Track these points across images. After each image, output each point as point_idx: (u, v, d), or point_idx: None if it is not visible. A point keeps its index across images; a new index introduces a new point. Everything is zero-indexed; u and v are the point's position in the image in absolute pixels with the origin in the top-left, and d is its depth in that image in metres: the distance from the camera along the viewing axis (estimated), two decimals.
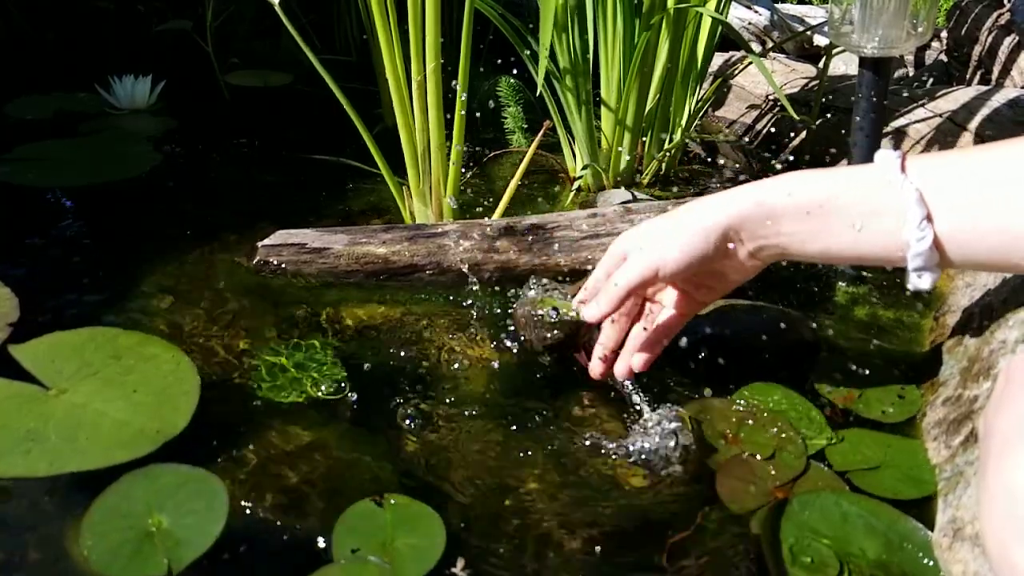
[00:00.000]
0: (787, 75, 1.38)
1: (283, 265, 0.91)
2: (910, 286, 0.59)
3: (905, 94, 1.17)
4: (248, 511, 0.63)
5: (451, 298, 0.89)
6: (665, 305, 0.71)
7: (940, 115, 1.10)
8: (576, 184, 1.13)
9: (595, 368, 0.73)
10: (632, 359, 0.71)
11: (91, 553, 0.59)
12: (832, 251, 0.61)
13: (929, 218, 0.56)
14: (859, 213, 0.59)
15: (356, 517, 0.63)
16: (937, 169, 0.58)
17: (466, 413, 0.73)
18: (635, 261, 0.65)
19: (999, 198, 0.55)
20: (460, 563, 0.59)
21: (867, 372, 0.78)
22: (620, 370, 0.71)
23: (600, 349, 0.73)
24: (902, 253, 0.58)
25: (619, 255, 0.68)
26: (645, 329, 0.71)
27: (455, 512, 0.64)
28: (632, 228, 0.68)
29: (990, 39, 1.35)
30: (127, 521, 0.61)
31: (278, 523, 0.63)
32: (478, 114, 1.30)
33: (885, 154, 0.59)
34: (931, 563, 0.59)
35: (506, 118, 1.24)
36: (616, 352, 0.73)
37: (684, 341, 0.75)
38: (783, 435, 0.70)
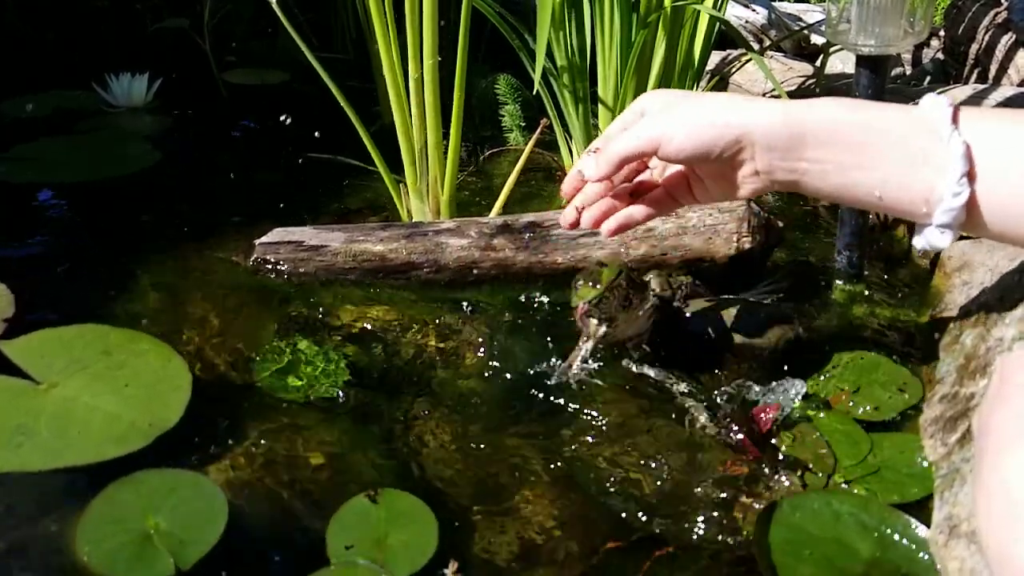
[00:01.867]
0: (784, 73, 1.38)
1: (280, 263, 0.90)
2: (923, 243, 0.56)
3: (902, 93, 1.17)
4: (243, 509, 0.63)
5: (449, 297, 0.89)
6: (662, 183, 0.68)
7: None
8: None
9: (568, 215, 0.68)
10: (607, 220, 0.67)
11: (91, 558, 0.59)
12: (855, 190, 0.57)
13: (970, 175, 0.53)
14: (896, 154, 0.55)
15: (350, 514, 0.62)
16: (989, 125, 0.54)
17: (462, 412, 0.73)
18: (640, 129, 0.61)
19: None
20: (452, 565, 0.59)
21: (864, 369, 0.78)
22: (588, 218, 0.67)
23: (581, 198, 0.68)
24: (926, 208, 0.55)
25: (638, 111, 0.64)
26: (631, 195, 0.67)
27: (448, 508, 0.64)
28: (667, 90, 0.64)
29: (987, 37, 1.34)
30: (122, 525, 0.61)
31: (272, 521, 0.63)
32: (476, 112, 1.30)
33: (936, 99, 0.55)
34: (926, 558, 0.59)
35: (504, 116, 1.24)
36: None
37: (685, 340, 0.75)
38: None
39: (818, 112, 0.57)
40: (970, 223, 0.55)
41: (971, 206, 0.54)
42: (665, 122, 0.60)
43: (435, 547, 0.60)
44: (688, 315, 0.82)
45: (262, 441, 0.70)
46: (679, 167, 0.66)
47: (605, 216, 0.67)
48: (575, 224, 0.68)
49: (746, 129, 0.58)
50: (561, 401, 0.74)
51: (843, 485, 0.66)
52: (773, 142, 0.58)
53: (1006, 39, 1.30)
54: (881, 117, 0.56)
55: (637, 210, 0.67)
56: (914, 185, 0.55)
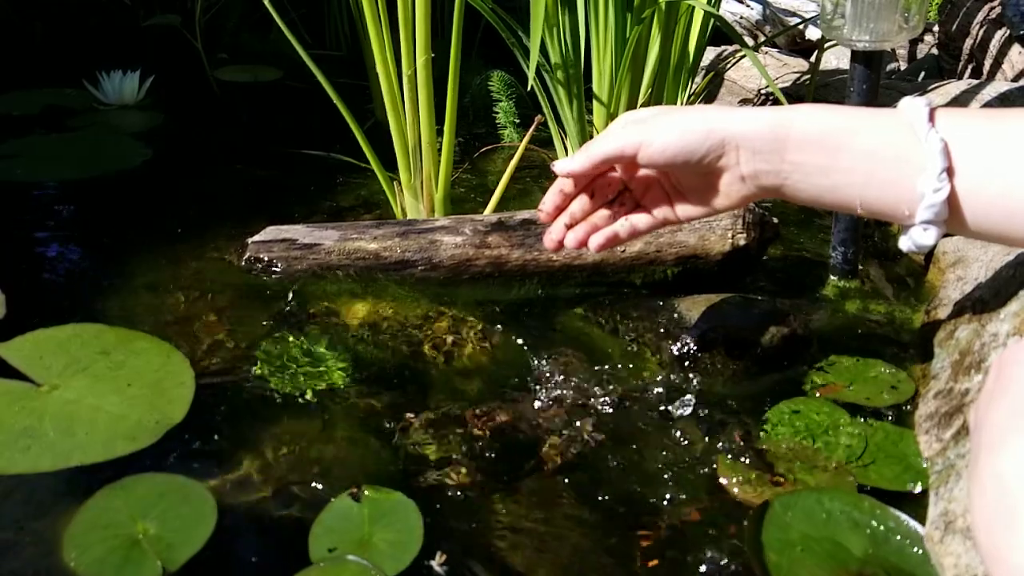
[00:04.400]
0: (779, 69, 1.38)
1: (273, 261, 0.90)
2: (908, 243, 0.57)
3: (897, 88, 1.17)
4: (234, 510, 0.63)
5: (444, 294, 0.89)
6: (643, 204, 0.68)
7: None
8: None
9: (554, 234, 0.68)
10: (591, 238, 0.68)
11: (78, 565, 0.58)
12: (837, 191, 0.58)
13: (950, 172, 0.53)
14: (876, 155, 0.56)
15: (333, 516, 0.62)
16: (966, 124, 0.55)
17: (456, 408, 0.73)
18: (622, 131, 0.63)
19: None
20: (440, 557, 0.59)
21: (858, 365, 0.78)
22: (573, 239, 0.68)
23: (567, 216, 0.68)
24: (908, 209, 0.55)
25: (622, 123, 0.65)
26: (613, 216, 0.68)
27: (437, 506, 0.63)
28: (647, 108, 0.65)
29: (981, 33, 1.35)
30: (110, 531, 0.60)
31: (265, 521, 0.62)
32: (470, 109, 1.29)
33: (913, 101, 0.56)
34: (920, 552, 0.59)
35: (498, 113, 1.23)
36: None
37: (679, 336, 0.75)
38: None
39: (801, 116, 0.58)
40: (953, 221, 0.55)
41: (953, 203, 0.54)
42: (648, 127, 0.61)
43: (420, 545, 0.60)
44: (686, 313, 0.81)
45: (262, 440, 0.69)
46: (661, 189, 0.67)
47: (588, 236, 0.68)
48: (560, 244, 0.68)
49: (731, 132, 0.59)
50: (555, 400, 0.74)
51: (835, 480, 0.66)
52: (758, 145, 0.59)
53: (1000, 34, 1.30)
54: (860, 119, 0.57)
55: (620, 228, 0.68)
56: (895, 184, 0.56)
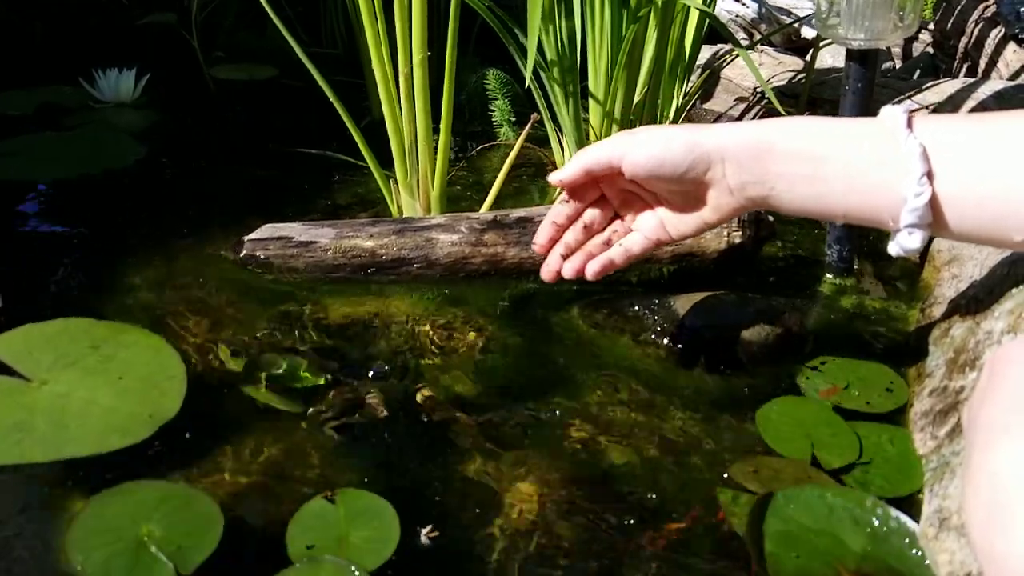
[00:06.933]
0: (774, 68, 1.38)
1: (269, 259, 0.90)
2: (896, 248, 0.58)
3: (892, 87, 1.17)
4: (240, 513, 0.63)
5: (438, 292, 0.89)
6: (635, 228, 0.70)
7: (926, 107, 1.10)
8: None
9: (552, 264, 0.70)
10: (588, 265, 0.69)
11: (84, 567, 0.58)
12: (821, 200, 0.59)
13: (930, 175, 0.55)
14: (857, 162, 0.57)
15: (309, 515, 0.62)
16: (945, 129, 0.56)
17: (450, 407, 0.73)
18: (610, 141, 0.64)
19: (1007, 164, 0.53)
20: (428, 528, 0.59)
21: (854, 363, 0.78)
22: (570, 269, 0.69)
23: (562, 247, 0.70)
24: (892, 214, 0.56)
25: (613, 136, 0.67)
26: (607, 243, 0.70)
27: (416, 508, 0.63)
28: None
29: (976, 31, 1.35)
30: (114, 534, 0.60)
31: (269, 523, 0.62)
32: (466, 107, 1.29)
33: (891, 109, 0.58)
34: (918, 554, 0.59)
35: (494, 111, 1.23)
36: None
37: (674, 334, 0.75)
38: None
39: (784, 127, 0.60)
40: (937, 225, 0.56)
41: (935, 206, 0.55)
42: (634, 139, 0.63)
43: (397, 541, 0.60)
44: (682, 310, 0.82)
45: (254, 437, 0.69)
46: (652, 211, 0.68)
47: (584, 264, 0.69)
48: (557, 274, 0.70)
49: (716, 145, 0.61)
50: (549, 396, 0.74)
51: (835, 479, 0.66)
52: (743, 157, 0.60)
53: (995, 33, 1.30)
54: (842, 128, 0.59)
55: (615, 253, 0.69)
56: (876, 191, 0.57)
